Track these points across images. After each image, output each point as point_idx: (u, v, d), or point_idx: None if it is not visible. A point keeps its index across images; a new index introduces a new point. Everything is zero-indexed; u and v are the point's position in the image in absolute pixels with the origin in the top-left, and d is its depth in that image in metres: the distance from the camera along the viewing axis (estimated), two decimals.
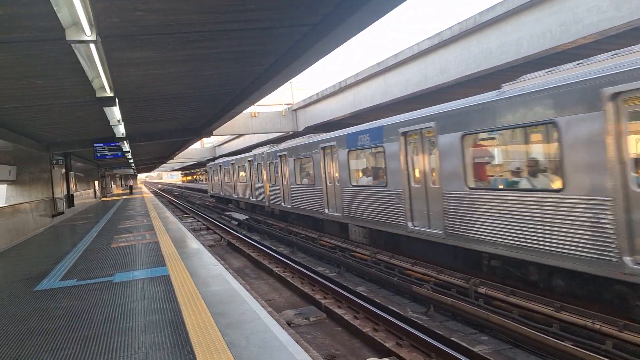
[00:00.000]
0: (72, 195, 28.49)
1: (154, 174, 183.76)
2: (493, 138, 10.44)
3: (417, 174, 12.28)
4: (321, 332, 8.96)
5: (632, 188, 6.96)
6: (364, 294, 10.50)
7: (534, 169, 9.24)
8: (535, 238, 8.51)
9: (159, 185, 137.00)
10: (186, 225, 23.61)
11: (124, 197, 51.13)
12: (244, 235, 20.63)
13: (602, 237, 7.35)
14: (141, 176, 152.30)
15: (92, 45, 6.40)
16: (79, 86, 11.49)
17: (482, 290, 9.39)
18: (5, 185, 24.42)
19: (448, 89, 20.27)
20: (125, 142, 21.82)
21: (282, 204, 22.95)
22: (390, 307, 9.36)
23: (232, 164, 34.92)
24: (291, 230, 20.63)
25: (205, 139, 60.28)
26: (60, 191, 26.50)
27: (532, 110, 8.55)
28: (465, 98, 10.64)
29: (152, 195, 54.21)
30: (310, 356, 5.06)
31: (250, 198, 29.75)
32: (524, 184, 9.25)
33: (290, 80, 16.15)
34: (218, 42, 9.64)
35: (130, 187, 65.84)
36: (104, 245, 14.19)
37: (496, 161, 10.69)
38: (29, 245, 16.07)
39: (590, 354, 6.37)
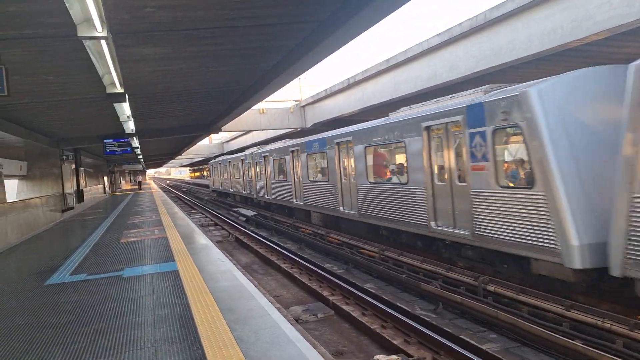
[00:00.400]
0: (82, 190, 28.66)
1: (162, 169, 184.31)
2: (381, 149, 15.37)
3: (345, 172, 17.09)
4: (329, 328, 8.98)
5: (435, 182, 11.87)
6: (372, 290, 10.52)
7: (399, 170, 14.21)
8: (401, 214, 13.31)
9: (168, 181, 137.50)
10: (194, 221, 23.68)
11: (133, 192, 51.38)
12: (252, 232, 20.69)
13: (422, 211, 12.27)
14: (150, 172, 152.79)
15: (102, 42, 6.42)
16: (90, 82, 11.55)
17: (491, 288, 9.37)
18: (17, 180, 24.61)
19: (457, 85, 20.18)
20: (134, 138, 21.90)
21: (265, 196, 28.22)
22: (398, 304, 9.36)
23: (229, 162, 39.92)
24: (299, 226, 20.68)
25: (213, 135, 60.34)
26: (70, 186, 26.67)
27: (396, 133, 13.47)
28: (369, 121, 16.15)
29: (160, 191, 54.43)
30: (318, 352, 5.08)
31: (243, 191, 35.09)
32: (395, 179, 14.33)
33: (299, 77, 16.29)
34: (226, 39, 9.66)
35: (139, 183, 66.35)
36: (113, 240, 14.26)
37: (383, 164, 15.48)
38: (39, 240, 16.18)
39: (601, 353, 6.34)
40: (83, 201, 28.68)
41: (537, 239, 8.80)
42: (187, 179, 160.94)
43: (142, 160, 45.77)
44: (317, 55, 10.30)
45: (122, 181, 76.37)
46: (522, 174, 9.54)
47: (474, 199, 10.29)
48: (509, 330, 7.92)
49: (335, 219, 18.48)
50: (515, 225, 9.25)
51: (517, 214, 9.21)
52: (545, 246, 8.62)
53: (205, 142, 64.22)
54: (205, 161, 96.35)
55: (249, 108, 19.16)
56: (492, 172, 9.82)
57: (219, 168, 46.15)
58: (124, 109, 12.66)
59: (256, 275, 13.41)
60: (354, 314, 9.19)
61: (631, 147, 7.19)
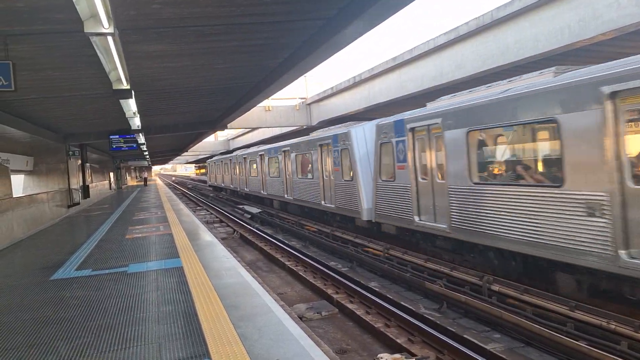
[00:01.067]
0: (88, 186, 28.75)
1: (168, 166, 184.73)
2: (306, 156, 21.63)
3: (287, 170, 24.35)
4: (333, 326, 8.98)
5: (324, 178, 19.08)
6: (376, 289, 10.49)
7: (312, 169, 20.75)
8: (311, 197, 20.79)
9: (173, 178, 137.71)
10: (199, 217, 23.73)
11: (138, 188, 51.52)
12: (257, 229, 20.71)
13: (318, 194, 19.69)
14: (155, 168, 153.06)
15: (109, 38, 6.45)
16: (96, 78, 11.59)
17: (495, 287, 9.34)
18: (23, 175, 24.65)
19: (464, 84, 20.11)
20: (140, 134, 21.97)
21: (245, 189, 36.13)
22: (402, 303, 9.34)
23: (221, 161, 48.45)
24: (303, 224, 20.71)
25: (219, 132, 60.57)
26: (76, 182, 26.77)
27: (310, 147, 20.75)
28: (297, 138, 24.48)
29: (166, 187, 54.54)
30: (322, 350, 5.07)
31: (230, 185, 43.90)
32: (309, 176, 21.14)
33: (305, 74, 16.41)
34: (233, 36, 9.66)
35: (145, 179, 66.47)
36: (118, 236, 14.30)
37: (305, 166, 22.11)
38: (45, 235, 16.24)
39: (605, 354, 6.31)
40: (89, 197, 28.78)
41: (355, 207, 16.37)
42: (193, 175, 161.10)
43: (147, 156, 45.92)
44: (325, 53, 10.29)
45: (127, 177, 76.56)
46: (350, 173, 16.73)
47: (335, 187, 18.12)
48: (513, 330, 7.89)
49: (284, 203, 26.55)
50: (349, 201, 16.82)
51: (349, 195, 16.78)
52: (356, 210, 16.24)
53: (210, 139, 64.12)
54: (211, 158, 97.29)
55: (255, 105, 19.17)
56: (341, 172, 17.57)
57: (213, 166, 55.99)
58: (130, 105, 12.71)
59: (260, 273, 13.42)
60: (358, 313, 9.18)
61: (376, 162, 14.59)
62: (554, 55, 15.13)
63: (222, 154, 59.49)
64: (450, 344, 7.10)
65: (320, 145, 19.42)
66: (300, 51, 10.97)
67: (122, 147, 24.05)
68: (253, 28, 9.24)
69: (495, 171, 10.60)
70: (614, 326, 7.04)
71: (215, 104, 19.61)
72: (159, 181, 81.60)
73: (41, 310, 6.97)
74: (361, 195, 15.78)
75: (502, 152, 10.84)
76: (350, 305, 9.64)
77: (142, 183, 64.89)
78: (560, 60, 16.61)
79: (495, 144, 10.95)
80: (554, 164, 8.75)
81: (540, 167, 9.54)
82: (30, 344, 5.61)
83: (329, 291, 10.79)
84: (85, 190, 27.98)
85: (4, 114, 14.70)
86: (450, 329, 7.83)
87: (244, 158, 35.34)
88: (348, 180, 16.83)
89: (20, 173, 23.77)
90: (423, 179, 12.30)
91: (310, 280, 11.81)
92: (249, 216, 27.09)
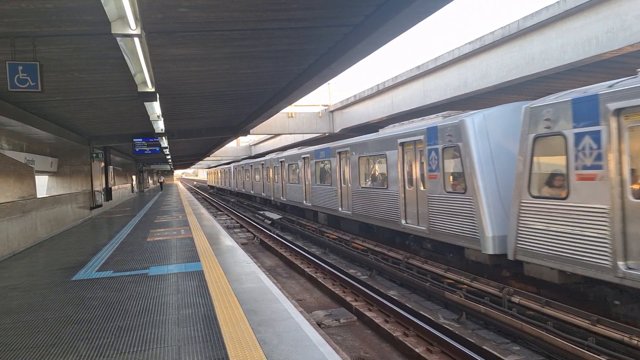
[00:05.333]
0: (111, 188, 29.03)
1: (190, 170, 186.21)
2: (262, 169, 36.74)
3: (258, 177, 38.05)
4: (351, 334, 8.92)
5: (264, 182, 36.54)
6: (396, 298, 10.42)
7: (267, 179, 34.47)
8: (267, 191, 35.04)
9: (195, 182, 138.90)
10: (220, 222, 23.81)
11: (160, 192, 51.95)
12: (277, 235, 20.72)
13: (267, 190, 35.57)
14: (177, 173, 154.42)
15: (136, 40, 6.49)
16: (122, 81, 11.70)
17: (515, 299, 9.22)
18: (47, 176, 24.97)
19: (488, 94, 19.98)
20: (163, 138, 22.12)
21: (236, 188, 52.55)
22: (421, 312, 9.26)
23: (219, 169, 72.05)
24: (324, 231, 20.66)
25: (241, 138, 60.86)
26: (99, 184, 27.03)
27: (254, 167, 40.45)
28: (262, 157, 40.22)
29: (187, 191, 54.92)
30: (340, 358, 5.03)
31: (219, 184, 68.34)
32: (265, 180, 35.84)
33: (328, 82, 16.35)
34: (258, 41, 9.68)
35: (161, 184, 67.43)
36: (139, 238, 14.39)
37: (265, 174, 34.89)
38: (67, 236, 16.41)
39: None
40: (111, 199, 29.06)
41: (301, 200, 24.47)
42: None
43: (170, 160, 46.30)
44: (350, 59, 10.25)
45: (150, 181, 77.39)
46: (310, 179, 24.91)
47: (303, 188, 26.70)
48: (533, 343, 7.78)
49: (252, 197, 41.19)
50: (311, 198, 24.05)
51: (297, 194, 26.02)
52: (304, 202, 24.20)
53: (233, 144, 64.62)
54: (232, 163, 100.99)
55: (278, 111, 19.20)
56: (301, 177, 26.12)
57: (214, 172, 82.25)
58: (155, 108, 12.79)
59: (280, 279, 13.41)
60: (376, 321, 9.12)
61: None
62: (581, 66, 14.93)
63: (266, 152, 62.62)
64: (469, 354, 7.01)
65: (270, 165, 33.24)
66: (325, 58, 10.96)
67: (145, 150, 24.25)
68: (279, 33, 9.26)
69: (371, 178, 17.46)
70: (636, 341, 6.91)
71: (238, 109, 19.69)
72: (180, 185, 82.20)
73: (62, 310, 7.02)
74: (306, 195, 24.37)
75: (370, 168, 17.55)
76: (369, 313, 9.59)
77: (159, 187, 66.66)
78: (587, 72, 16.43)
79: (369, 163, 17.52)
80: (384, 177, 15.88)
81: (380, 178, 16.60)
82: (51, 343, 5.64)
83: (348, 299, 10.74)
84: (107, 192, 28.26)
85: (30, 114, 14.93)
86: (469, 339, 7.74)
87: (235, 167, 52.55)
88: (293, 183, 26.29)
89: (44, 174, 24.10)
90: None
91: (330, 288, 11.77)
92: (270, 222, 27.13)
